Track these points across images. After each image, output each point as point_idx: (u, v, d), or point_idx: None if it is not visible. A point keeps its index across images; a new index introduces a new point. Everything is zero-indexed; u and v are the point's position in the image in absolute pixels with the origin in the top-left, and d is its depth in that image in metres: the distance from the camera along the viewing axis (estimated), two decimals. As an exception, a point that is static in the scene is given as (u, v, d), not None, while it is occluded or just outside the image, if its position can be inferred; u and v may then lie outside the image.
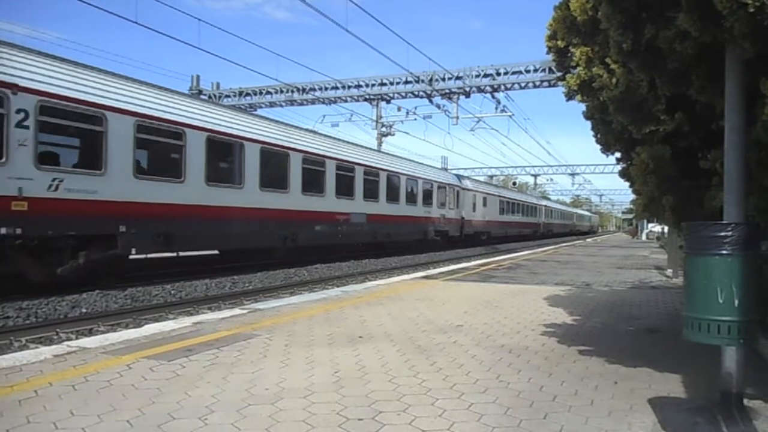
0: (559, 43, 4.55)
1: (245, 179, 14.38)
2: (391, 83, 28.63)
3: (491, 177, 61.71)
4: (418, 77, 27.11)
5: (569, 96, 4.96)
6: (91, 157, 10.62)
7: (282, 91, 30.04)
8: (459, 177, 32.60)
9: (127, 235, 11.10)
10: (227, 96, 31.26)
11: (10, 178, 8.99)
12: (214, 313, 7.27)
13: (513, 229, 40.95)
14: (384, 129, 34.27)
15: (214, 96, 30.96)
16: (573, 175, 66.59)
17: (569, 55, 4.62)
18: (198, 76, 31.42)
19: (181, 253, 13.13)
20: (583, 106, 5.36)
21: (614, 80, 4.17)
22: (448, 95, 28.14)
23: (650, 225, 45.94)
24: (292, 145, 16.28)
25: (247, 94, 30.96)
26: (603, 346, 5.15)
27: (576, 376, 4.14)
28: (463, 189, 30.97)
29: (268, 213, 15.12)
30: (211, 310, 9.09)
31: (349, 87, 29.37)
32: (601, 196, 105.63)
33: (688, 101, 4.10)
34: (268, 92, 30.45)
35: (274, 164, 15.40)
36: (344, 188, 18.89)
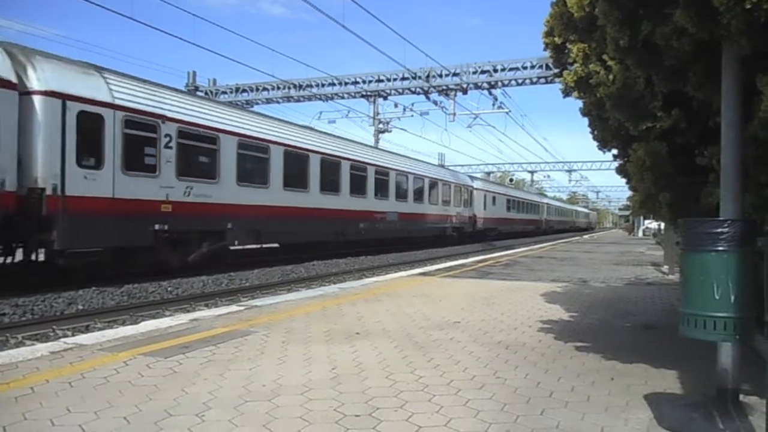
0: (556, 39, 4.55)
1: (310, 184, 17.40)
2: (388, 80, 28.61)
3: (488, 174, 61.73)
4: (415, 74, 27.09)
5: (566, 92, 4.96)
6: (209, 170, 13.65)
7: (279, 88, 29.97)
8: (471, 178, 36.04)
9: (232, 230, 14.18)
10: (224, 92, 31.17)
11: (161, 187, 12.06)
12: (211, 309, 7.26)
13: (518, 225, 43.66)
14: (381, 125, 34.24)
15: (211, 92, 30.87)
16: (570, 171, 66.67)
17: (566, 51, 4.62)
18: (194, 72, 31.33)
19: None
20: (580, 103, 5.36)
21: (611, 77, 4.17)
22: (445, 92, 28.13)
23: (647, 222, 46.07)
24: (342, 155, 19.34)
25: (244, 91, 30.89)
26: (599, 342, 5.16)
27: (573, 372, 4.15)
28: (475, 189, 33.78)
29: (326, 212, 18.11)
30: (207, 306, 9.09)
31: (346, 83, 29.33)
32: (597, 192, 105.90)
33: (685, 98, 4.10)
34: (264, 89, 30.38)
35: (329, 171, 18.46)
36: (381, 191, 22.04)
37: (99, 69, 11.50)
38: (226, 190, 13.89)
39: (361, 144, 23.10)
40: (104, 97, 10.97)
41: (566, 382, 3.88)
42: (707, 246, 2.99)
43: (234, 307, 6.95)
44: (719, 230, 2.96)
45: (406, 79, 27.89)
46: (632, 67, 3.82)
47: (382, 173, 22.01)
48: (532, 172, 68.78)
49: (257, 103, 30.61)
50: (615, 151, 6.54)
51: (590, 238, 43.25)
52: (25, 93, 9.69)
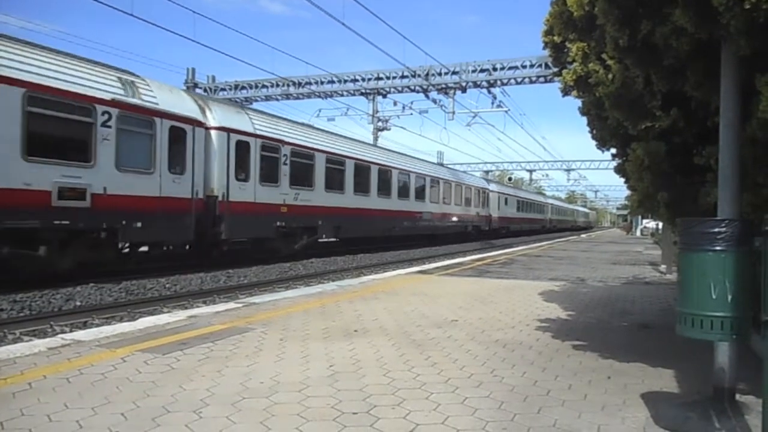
0: (555, 38, 4.55)
1: (371, 190, 21.72)
2: (388, 78, 28.59)
3: (487, 173, 61.72)
4: (414, 72, 27.08)
5: (565, 92, 4.96)
6: (308, 180, 17.59)
7: (278, 85, 29.94)
8: (487, 181, 40.93)
9: (321, 226, 18.31)
10: (222, 89, 31.13)
11: (280, 193, 16.18)
12: (209, 306, 7.26)
13: (526, 224, 47.77)
14: (380, 124, 34.23)
15: (210, 89, 30.82)
16: (568, 170, 66.67)
17: (566, 50, 4.61)
18: (193, 69, 31.30)
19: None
20: (579, 102, 5.37)
21: (610, 76, 4.17)
22: (444, 90, 28.12)
23: (644, 221, 46.11)
24: (392, 165, 23.86)
25: (243, 88, 30.85)
26: (597, 341, 5.17)
27: (570, 371, 4.16)
28: (491, 191, 38.00)
29: (381, 212, 22.46)
30: (206, 303, 9.09)
31: (346, 81, 29.31)
32: (596, 192, 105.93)
33: (683, 97, 4.10)
34: (264, 86, 30.34)
35: (384, 179, 22.83)
36: (419, 194, 26.28)
37: (244, 108, 16.80)
38: (318, 195, 18.09)
39: (403, 154, 27.59)
40: (249, 129, 15.17)
41: (563, 381, 3.89)
42: (705, 245, 3.00)
43: (232, 305, 6.95)
44: (717, 230, 2.97)
45: (406, 77, 27.88)
46: (631, 67, 3.82)
47: (421, 179, 26.51)
48: (530, 171, 68.78)
49: (256, 101, 30.58)
50: (614, 151, 6.54)
51: (588, 237, 43.31)
52: (206, 129, 13.64)
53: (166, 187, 12.25)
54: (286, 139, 16.57)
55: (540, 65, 24.66)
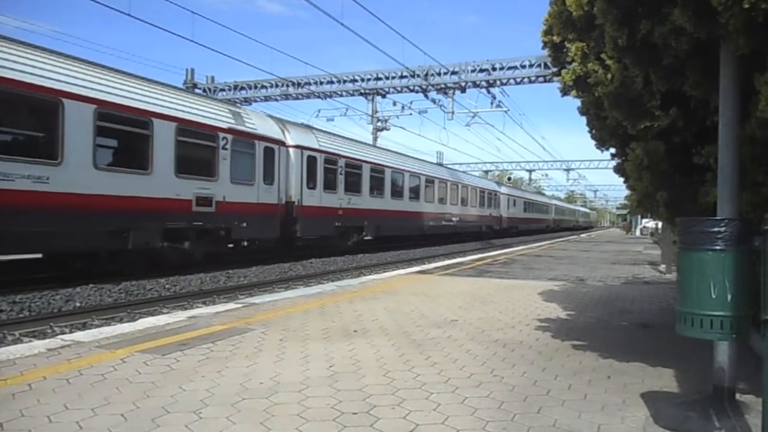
0: (554, 38, 4.55)
1: (404, 194, 25.23)
2: (387, 78, 28.59)
3: (486, 172, 61.76)
4: (413, 72, 27.08)
5: (564, 91, 4.95)
6: (357, 186, 21.10)
7: (277, 85, 29.94)
8: (498, 184, 44.99)
9: (367, 227, 21.78)
10: (222, 90, 31.12)
11: (338, 198, 19.58)
12: (209, 307, 7.26)
13: (533, 224, 51.15)
14: (379, 124, 34.24)
15: (209, 90, 30.81)
16: (568, 170, 66.72)
17: (565, 50, 4.61)
18: (192, 70, 31.33)
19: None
20: (578, 102, 5.36)
21: (609, 76, 4.17)
22: (443, 90, 28.13)
23: (644, 221, 46.13)
24: (421, 172, 27.49)
25: (242, 88, 30.84)
26: (596, 340, 5.17)
27: (569, 370, 4.16)
28: (501, 194, 41.58)
29: (413, 214, 26.02)
30: (205, 304, 9.08)
31: (345, 81, 29.31)
32: (595, 191, 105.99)
33: (682, 97, 4.10)
34: (263, 86, 30.33)
35: (414, 185, 26.31)
36: (443, 198, 29.87)
37: (311, 128, 19.93)
38: (365, 200, 21.48)
39: (429, 162, 32.20)
40: (316, 145, 18.61)
41: (563, 381, 3.89)
42: (704, 245, 3.00)
43: (232, 305, 6.95)
44: (716, 229, 2.97)
45: (405, 77, 27.88)
46: (630, 66, 3.83)
47: (442, 185, 29.83)
48: (530, 171, 68.84)
49: (255, 101, 30.58)
50: (613, 150, 6.54)
51: (588, 237, 43.33)
52: (286, 147, 16.92)
53: (261, 195, 15.69)
54: (342, 153, 20.14)
55: (539, 65, 24.66)
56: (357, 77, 29.12)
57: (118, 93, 11.58)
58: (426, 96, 28.99)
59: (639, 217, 45.96)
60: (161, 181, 12.38)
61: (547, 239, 36.31)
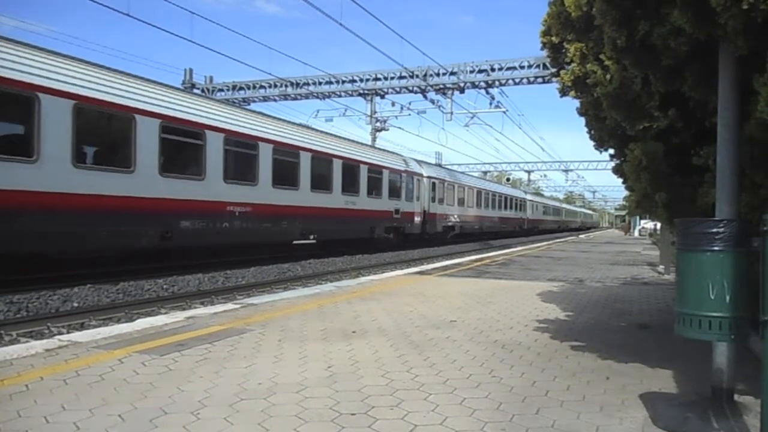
0: (553, 38, 4.55)
1: (474, 204, 34.36)
2: (386, 78, 28.62)
3: (485, 173, 61.78)
4: (412, 72, 27.10)
5: (563, 92, 4.95)
6: (450, 200, 29.84)
7: (275, 86, 29.95)
8: (524, 191, 54.28)
9: (456, 227, 30.46)
10: (220, 90, 31.11)
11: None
12: (207, 307, 7.24)
13: (549, 224, 60.01)
14: (378, 124, 34.24)
15: (207, 90, 30.78)
16: (566, 171, 66.78)
17: (563, 51, 4.61)
18: (191, 70, 31.30)
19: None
20: (577, 103, 5.36)
21: (608, 76, 4.16)
22: (442, 90, 28.14)
23: (643, 221, 46.18)
24: (484, 188, 37.61)
25: (241, 88, 30.84)
26: (595, 341, 5.17)
27: (568, 371, 4.16)
28: (527, 200, 50.85)
29: (479, 218, 35.56)
30: (203, 304, 9.07)
31: (343, 82, 29.32)
32: (594, 192, 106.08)
33: (681, 98, 4.10)
34: (261, 86, 30.33)
35: (481, 197, 35.90)
36: (495, 205, 39.43)
37: (431, 164, 30.70)
38: (454, 209, 30.85)
39: (488, 180, 44.58)
40: (435, 174, 28.22)
41: (562, 381, 3.88)
42: (703, 246, 2.99)
43: (230, 305, 6.94)
44: (715, 230, 2.97)
45: (404, 77, 27.90)
46: (629, 67, 3.83)
47: (486, 193, 37.73)
48: (528, 172, 68.88)
49: (254, 101, 30.58)
50: (611, 151, 6.53)
51: (587, 238, 43.37)
52: (422, 177, 26.15)
53: (416, 207, 25.59)
54: (447, 179, 30.22)
55: (538, 66, 24.70)
56: (356, 77, 29.13)
57: (320, 144, 18.51)
58: (425, 96, 29.03)
59: (638, 217, 46.03)
60: (386, 201, 22.78)
61: (545, 240, 36.42)
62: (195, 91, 29.04)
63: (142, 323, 5.64)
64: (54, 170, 9.97)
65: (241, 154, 14.60)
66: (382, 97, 30.62)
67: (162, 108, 12.29)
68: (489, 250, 24.10)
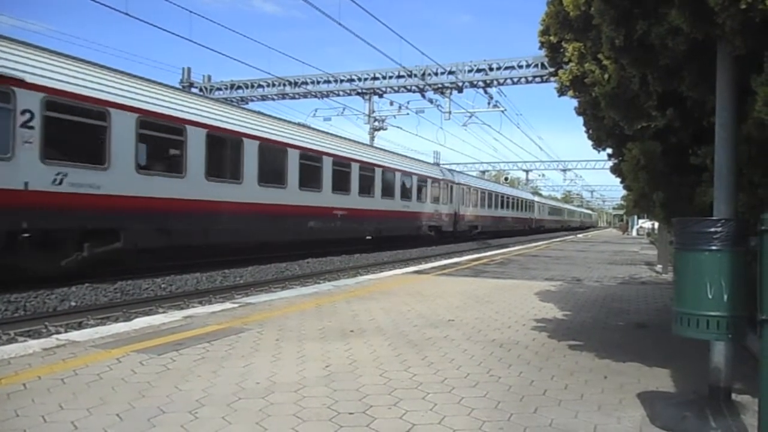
0: (551, 38, 4.56)
1: (499, 206, 40.51)
2: (384, 77, 28.59)
3: (483, 173, 61.80)
4: (410, 72, 27.08)
5: (561, 91, 4.97)
6: (474, 203, 35.23)
7: (274, 85, 29.91)
8: (533, 194, 60.78)
9: (480, 225, 35.85)
10: (218, 89, 31.06)
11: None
12: (205, 307, 7.24)
13: (553, 224, 64.82)
14: (376, 123, 34.24)
15: (205, 89, 30.75)
16: (564, 170, 66.81)
17: (562, 50, 4.62)
18: (189, 69, 31.23)
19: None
20: (575, 102, 5.37)
21: (606, 76, 4.17)
22: (440, 90, 28.14)
23: (641, 221, 46.27)
24: (507, 193, 44.62)
25: (239, 87, 30.80)
26: (593, 341, 5.18)
27: (566, 370, 4.16)
28: (536, 201, 56.06)
29: (496, 218, 39.63)
30: (201, 304, 9.07)
31: (342, 81, 29.29)
32: (592, 191, 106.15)
33: (679, 97, 4.11)
34: (259, 85, 30.30)
35: (504, 201, 42.15)
36: (518, 208, 46.90)
37: (462, 172, 37.80)
38: (482, 210, 36.17)
39: (515, 188, 52.41)
40: (464, 181, 33.41)
41: (560, 381, 3.89)
42: (701, 245, 3.00)
43: (228, 305, 6.93)
44: (712, 230, 2.97)
45: (402, 77, 27.88)
46: (627, 67, 3.83)
47: (514, 200, 45.59)
48: (527, 171, 68.92)
49: (252, 100, 30.54)
50: (609, 150, 6.56)
51: (585, 237, 43.43)
52: (453, 184, 31.07)
53: (449, 209, 30.27)
54: (472, 185, 35.38)
55: (536, 65, 24.71)
56: (354, 77, 29.11)
57: (381, 158, 23.34)
58: (423, 96, 29.04)
59: (635, 217, 46.10)
60: (429, 205, 27.77)
61: (543, 240, 36.45)
62: (193, 89, 29.01)
63: (140, 322, 5.64)
64: (193, 183, 13.14)
65: (344, 173, 19.96)
66: (381, 96, 30.61)
67: (261, 132, 15.80)
68: (487, 250, 24.09)
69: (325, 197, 18.55)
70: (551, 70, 5.39)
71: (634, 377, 4.01)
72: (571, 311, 6.92)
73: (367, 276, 11.58)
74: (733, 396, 3.28)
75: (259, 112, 17.61)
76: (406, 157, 27.55)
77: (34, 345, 4.55)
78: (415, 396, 3.49)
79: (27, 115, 9.70)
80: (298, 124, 19.41)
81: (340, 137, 21.70)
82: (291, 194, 16.69)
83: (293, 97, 30.92)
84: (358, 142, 24.04)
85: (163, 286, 11.23)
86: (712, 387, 3.22)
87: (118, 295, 10.03)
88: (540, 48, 4.94)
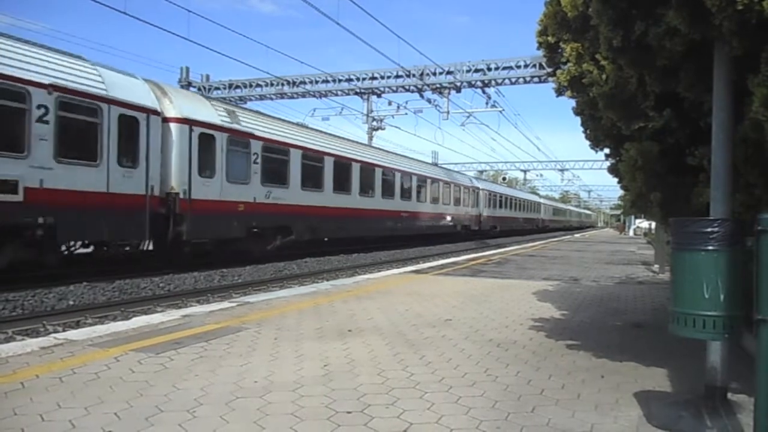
0: (549, 38, 4.56)
1: (515, 207, 46.19)
2: (382, 77, 28.55)
3: (481, 172, 61.82)
4: (409, 71, 27.07)
5: (559, 92, 4.97)
6: (475, 204, 36.11)
7: (272, 84, 29.85)
8: (539, 195, 67.02)
9: (497, 225, 40.47)
10: (217, 88, 31.00)
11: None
12: (203, 306, 7.24)
13: (557, 224, 68.29)
14: (375, 123, 34.24)
15: (204, 88, 30.71)
16: (562, 170, 66.85)
17: (560, 50, 4.63)
18: (187, 68, 31.15)
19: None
20: (572, 102, 5.38)
21: (604, 76, 4.18)
22: (438, 90, 28.11)
23: (638, 221, 46.34)
24: (521, 197, 49.99)
25: (237, 87, 30.74)
26: (590, 340, 5.19)
27: (563, 370, 4.17)
28: (542, 203, 60.36)
29: (510, 218, 43.93)
30: (199, 303, 9.06)
31: (340, 80, 29.25)
32: (589, 191, 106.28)
33: (676, 98, 4.12)
34: (258, 85, 30.24)
35: (521, 204, 48.87)
36: (528, 209, 51.30)
37: (478, 179, 42.15)
38: (499, 211, 40.88)
39: (508, 187, 52.26)
40: (482, 187, 38.26)
41: (557, 380, 3.90)
42: (697, 245, 3.01)
43: (226, 304, 6.94)
44: (709, 230, 2.98)
45: (400, 77, 27.85)
46: (625, 67, 3.84)
47: (516, 200, 46.98)
48: (524, 171, 68.96)
49: (250, 100, 30.48)
50: (607, 151, 6.56)
51: (581, 237, 43.47)
52: (479, 190, 37.40)
53: (476, 211, 35.77)
54: (492, 190, 39.97)
55: (534, 65, 24.69)
56: (352, 76, 29.08)
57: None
58: (421, 96, 29.01)
59: (633, 217, 46.21)
60: (462, 208, 32.96)
61: (540, 239, 36.50)
62: (192, 89, 28.96)
63: (138, 321, 5.64)
64: (293, 191, 17.30)
65: (407, 185, 26.21)
66: (379, 96, 30.58)
67: (361, 156, 22.19)
68: (485, 249, 24.11)
69: (396, 203, 24.96)
70: (549, 70, 5.40)
71: (631, 377, 4.02)
72: (568, 311, 6.94)
73: (365, 275, 11.59)
74: (729, 395, 3.30)
75: (357, 141, 25.39)
76: (444, 168, 36.44)
77: (32, 344, 4.55)
78: (412, 395, 3.50)
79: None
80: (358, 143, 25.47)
81: (400, 155, 28.59)
82: (377, 202, 23.28)
83: (292, 97, 30.87)
84: (419, 160, 31.97)
85: (161, 285, 11.22)
86: (709, 386, 3.23)
87: (116, 294, 10.02)
88: (538, 48, 4.94)
